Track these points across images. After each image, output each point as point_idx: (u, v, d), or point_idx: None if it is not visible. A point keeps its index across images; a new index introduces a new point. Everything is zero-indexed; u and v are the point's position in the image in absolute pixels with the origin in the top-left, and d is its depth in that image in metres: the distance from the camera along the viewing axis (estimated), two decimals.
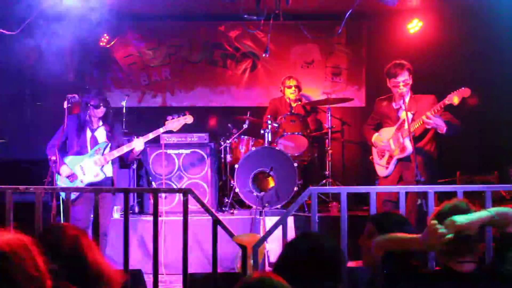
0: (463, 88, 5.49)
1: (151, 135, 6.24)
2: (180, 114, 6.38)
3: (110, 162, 6.22)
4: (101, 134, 6.29)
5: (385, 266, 2.95)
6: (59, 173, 6.08)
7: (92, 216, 6.03)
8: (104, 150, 6.17)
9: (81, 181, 6.12)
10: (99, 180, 6.17)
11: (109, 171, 6.25)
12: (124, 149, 6.16)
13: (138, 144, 6.16)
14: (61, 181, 6.09)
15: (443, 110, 5.69)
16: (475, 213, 2.78)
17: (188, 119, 6.39)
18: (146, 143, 7.31)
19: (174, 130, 6.40)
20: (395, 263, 2.93)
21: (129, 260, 4.84)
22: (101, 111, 6.19)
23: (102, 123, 6.31)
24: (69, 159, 6.16)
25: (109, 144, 6.22)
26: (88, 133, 6.24)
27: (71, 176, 6.10)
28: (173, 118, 6.35)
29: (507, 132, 7.68)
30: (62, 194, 5.77)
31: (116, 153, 6.17)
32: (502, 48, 7.53)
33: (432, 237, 2.72)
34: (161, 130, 6.27)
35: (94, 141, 6.23)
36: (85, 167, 6.14)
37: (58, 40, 8.41)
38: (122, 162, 6.56)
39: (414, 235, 2.87)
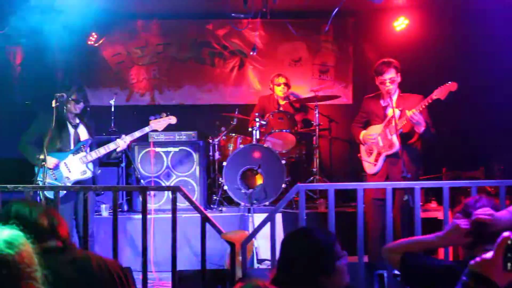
0: (450, 82, 5.51)
1: (136, 134, 6.20)
2: (162, 114, 6.35)
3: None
4: (83, 131, 6.21)
5: (404, 266, 3.00)
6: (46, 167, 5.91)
7: (74, 217, 6.01)
8: (89, 148, 6.12)
9: (67, 179, 6.01)
10: (86, 177, 6.10)
11: (91, 169, 6.19)
12: (111, 147, 6.10)
13: (122, 143, 6.12)
14: (48, 177, 5.91)
15: (429, 105, 5.68)
16: (502, 212, 2.86)
17: (172, 119, 6.38)
18: (134, 140, 7.30)
19: (159, 130, 6.40)
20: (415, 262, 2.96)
21: (118, 257, 4.83)
22: (79, 107, 6.09)
23: (78, 120, 6.22)
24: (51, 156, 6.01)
25: (92, 141, 6.18)
26: (71, 130, 6.14)
27: (55, 171, 5.96)
28: (156, 118, 6.33)
29: (493, 128, 7.71)
30: (47, 193, 5.68)
31: (103, 150, 6.10)
32: (487, 45, 7.56)
33: (455, 233, 2.87)
34: (147, 129, 6.26)
35: (77, 139, 6.15)
36: (70, 164, 6.04)
37: (46, 39, 8.38)
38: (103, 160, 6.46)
39: (434, 234, 2.98)
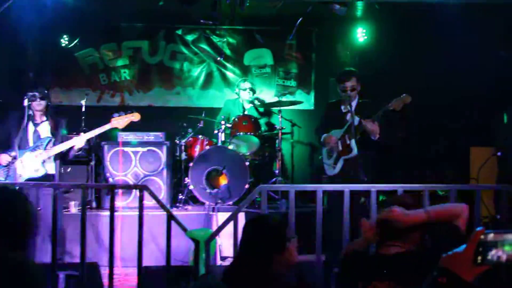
0: (404, 94, 5.56)
1: (96, 131, 6.00)
2: (127, 112, 6.18)
3: (52, 158, 5.95)
4: (44, 129, 6.01)
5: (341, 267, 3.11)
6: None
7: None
8: (46, 145, 5.90)
9: (20, 176, 5.77)
10: (40, 175, 5.86)
11: (50, 167, 5.97)
12: (67, 145, 5.89)
13: (78, 141, 5.89)
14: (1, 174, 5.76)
15: (386, 115, 5.75)
16: (414, 211, 2.89)
17: (135, 117, 6.14)
18: (103, 140, 7.18)
19: (120, 128, 6.14)
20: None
21: (86, 253, 4.78)
22: (38, 104, 5.90)
23: (45, 118, 6.04)
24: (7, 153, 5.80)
25: (53, 139, 5.95)
26: (31, 128, 5.95)
27: (8, 169, 5.75)
28: (119, 116, 6.14)
29: (445, 135, 7.84)
30: None
31: (58, 149, 5.88)
32: (444, 54, 7.69)
33: (364, 233, 3.04)
34: (107, 126, 6.01)
35: (37, 136, 5.95)
36: (25, 161, 5.81)
37: (19, 39, 8.25)
38: (67, 158, 6.23)
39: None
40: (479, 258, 1.86)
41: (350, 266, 2.99)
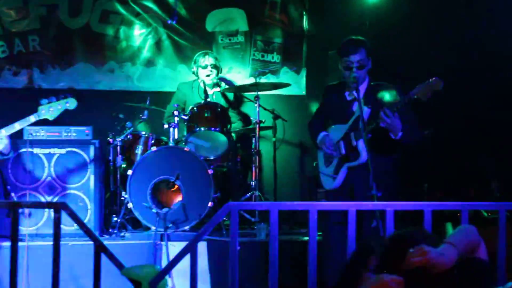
0: (434, 78, 5.58)
1: (17, 126, 6.01)
2: (59, 97, 6.17)
3: None
4: None
5: None
6: None
7: None
8: None
9: None
10: None
11: None
12: None
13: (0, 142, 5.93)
14: None
15: (409, 106, 5.78)
16: (443, 247, 2.92)
17: (70, 103, 6.19)
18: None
19: (51, 119, 6.20)
20: None
21: None
22: None
23: None
24: None
25: None
26: None
27: None
28: (49, 102, 6.13)
29: (491, 133, 7.90)
30: None
31: None
32: (489, 24, 7.74)
33: None
34: (33, 118, 6.05)
35: None
36: None
37: None
38: None
39: None
40: None
41: None
